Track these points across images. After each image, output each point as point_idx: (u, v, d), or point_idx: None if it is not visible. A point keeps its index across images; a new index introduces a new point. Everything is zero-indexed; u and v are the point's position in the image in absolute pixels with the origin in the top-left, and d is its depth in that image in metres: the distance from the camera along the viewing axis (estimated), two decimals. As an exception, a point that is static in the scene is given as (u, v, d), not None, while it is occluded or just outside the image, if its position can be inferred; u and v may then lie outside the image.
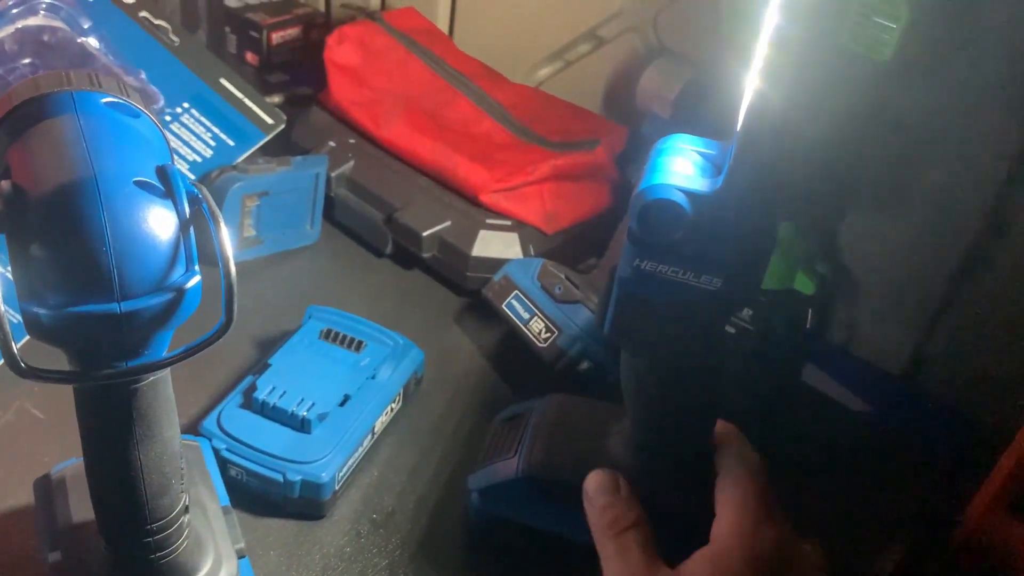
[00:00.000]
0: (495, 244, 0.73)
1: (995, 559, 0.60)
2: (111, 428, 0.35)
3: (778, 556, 0.43)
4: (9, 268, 0.32)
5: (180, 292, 0.32)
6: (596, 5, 0.83)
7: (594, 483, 0.47)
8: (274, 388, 0.57)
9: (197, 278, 0.33)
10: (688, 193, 0.40)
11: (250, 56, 1.00)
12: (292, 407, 0.56)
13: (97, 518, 0.39)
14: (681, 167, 0.42)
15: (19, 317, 0.33)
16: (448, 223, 0.74)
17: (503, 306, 0.67)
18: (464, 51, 0.89)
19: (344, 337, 0.62)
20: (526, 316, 0.65)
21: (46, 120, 0.33)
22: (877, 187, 0.68)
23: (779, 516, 0.45)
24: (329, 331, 0.62)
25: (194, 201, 0.33)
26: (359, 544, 0.55)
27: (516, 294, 0.66)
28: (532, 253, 0.73)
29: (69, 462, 0.48)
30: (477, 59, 0.88)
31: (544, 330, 0.64)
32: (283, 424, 0.56)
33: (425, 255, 0.74)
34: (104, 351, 0.32)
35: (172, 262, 0.32)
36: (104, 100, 0.35)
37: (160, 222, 0.31)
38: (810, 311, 0.71)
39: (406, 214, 0.75)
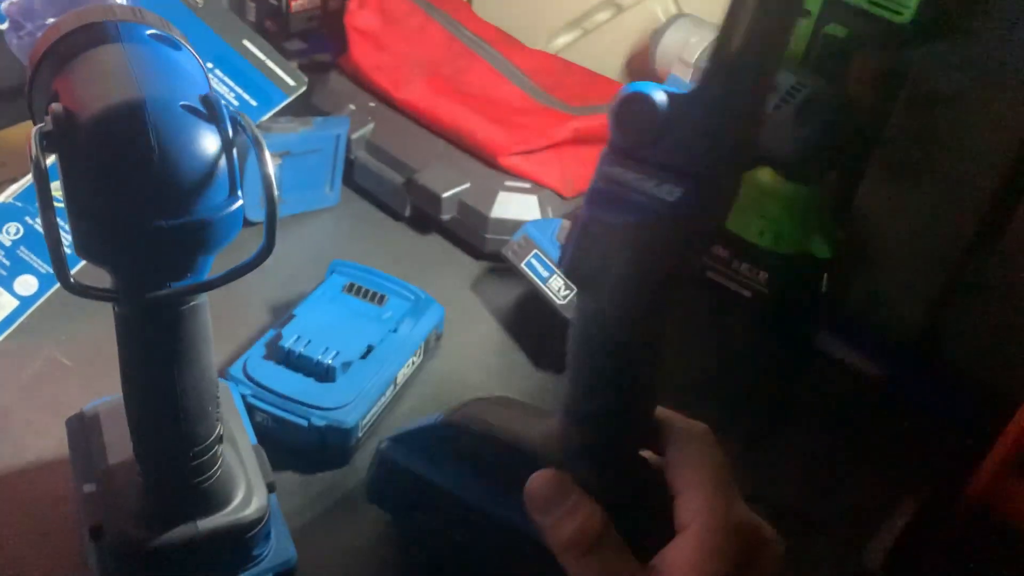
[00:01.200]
0: (514, 206, 0.74)
1: (1004, 520, 0.61)
2: (153, 352, 0.36)
3: (755, 536, 0.40)
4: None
5: (224, 214, 0.33)
6: (615, -28, 0.83)
7: (539, 486, 0.41)
8: (299, 337, 0.58)
9: (240, 202, 0.33)
10: (666, 91, 0.39)
11: (269, 23, 1.00)
12: (317, 356, 0.57)
13: (135, 445, 0.40)
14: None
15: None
16: (467, 185, 0.75)
17: (522, 265, 0.67)
18: (482, 18, 0.89)
19: (367, 291, 0.63)
20: (545, 275, 0.66)
21: (92, 49, 0.34)
22: (896, 154, 0.69)
23: (738, 492, 0.42)
24: (352, 285, 0.63)
25: (237, 128, 0.34)
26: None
27: (535, 253, 0.67)
28: (550, 215, 0.74)
29: (101, 400, 0.49)
30: (495, 26, 0.88)
31: (563, 287, 0.65)
32: (308, 372, 0.57)
33: (444, 217, 0.75)
34: (150, 271, 0.33)
35: (216, 183, 0.33)
36: (148, 32, 0.36)
37: (206, 145, 0.32)
38: (825, 275, 0.72)
39: (425, 176, 0.75)
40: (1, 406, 0.57)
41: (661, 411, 0.46)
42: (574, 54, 0.89)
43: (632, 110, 0.40)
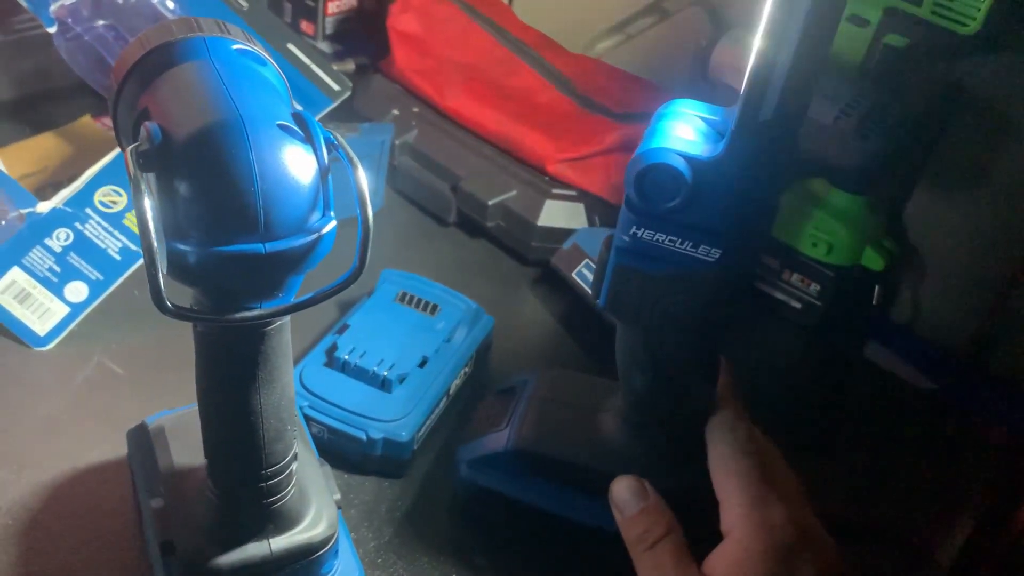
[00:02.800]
0: (561, 214, 0.73)
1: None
2: (236, 371, 0.35)
3: (794, 534, 0.41)
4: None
5: (319, 235, 0.32)
6: (661, -23, 0.82)
7: (620, 491, 0.45)
8: (354, 348, 0.57)
9: (334, 223, 0.33)
10: (688, 158, 0.39)
11: (305, 25, 1.00)
12: (373, 367, 0.56)
13: (210, 463, 0.39)
14: (682, 132, 0.40)
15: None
16: (514, 192, 0.74)
17: (573, 274, 0.67)
18: (524, 22, 0.88)
19: (419, 300, 0.62)
20: (597, 284, 0.65)
21: (180, 64, 0.34)
22: (950, 166, 0.68)
23: (783, 487, 0.43)
24: (404, 294, 0.63)
25: (330, 148, 0.33)
26: (437, 501, 0.55)
27: (586, 262, 0.67)
28: (597, 223, 0.73)
29: (163, 413, 0.48)
30: (537, 30, 0.88)
31: (617, 298, 0.64)
32: (364, 383, 0.56)
33: (489, 224, 0.74)
34: (243, 292, 0.32)
35: (313, 205, 0.32)
36: (234, 47, 0.35)
37: (303, 165, 0.32)
38: (877, 288, 0.71)
39: (471, 183, 0.75)
40: (55, 414, 0.56)
41: (720, 393, 0.47)
42: (617, 59, 0.88)
43: (655, 181, 0.39)
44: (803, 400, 0.68)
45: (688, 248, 0.41)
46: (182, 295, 0.35)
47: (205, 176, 0.30)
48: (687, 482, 0.47)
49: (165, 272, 0.31)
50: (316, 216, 0.32)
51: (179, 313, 0.31)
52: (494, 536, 0.53)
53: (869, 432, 0.66)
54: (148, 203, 0.29)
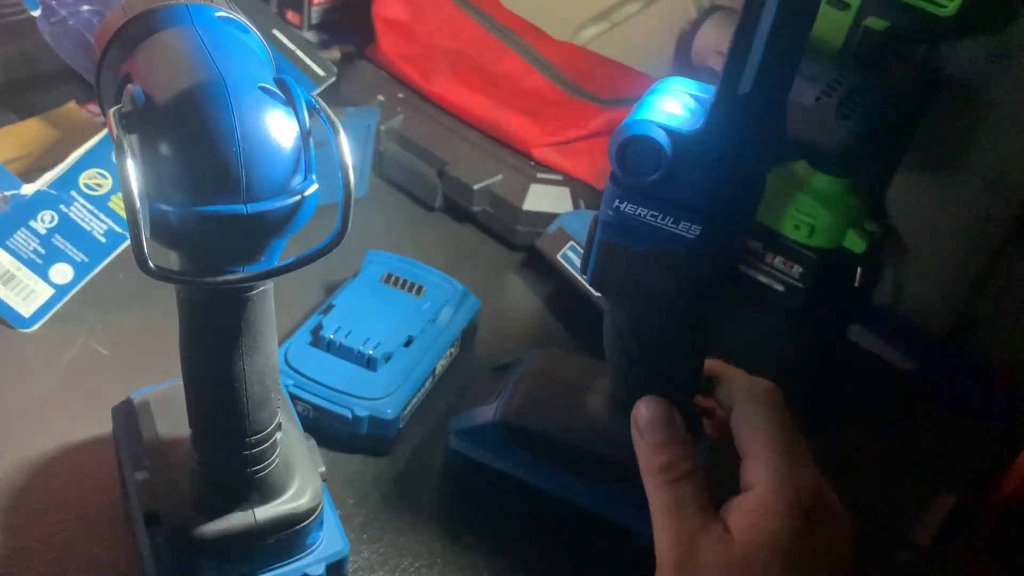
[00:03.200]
0: (546, 198, 0.73)
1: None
2: (219, 337, 0.36)
3: (817, 498, 0.41)
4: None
5: (301, 198, 0.33)
6: (646, -35, 0.83)
7: (646, 414, 0.43)
8: (340, 327, 0.58)
9: (315, 186, 0.33)
10: (669, 131, 0.39)
11: (291, 15, 1.00)
12: (358, 346, 0.56)
13: (194, 432, 0.40)
14: (669, 107, 0.40)
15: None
16: (499, 177, 0.74)
17: (558, 257, 0.67)
18: (510, 9, 0.89)
19: (405, 281, 0.63)
20: (582, 266, 0.66)
21: (164, 30, 0.34)
22: (932, 148, 0.69)
23: (807, 454, 0.43)
24: (390, 275, 0.63)
25: (311, 112, 0.33)
26: (422, 478, 0.56)
27: (571, 245, 0.67)
28: (582, 207, 0.73)
29: (147, 388, 0.49)
30: (522, 17, 0.88)
31: (601, 279, 0.64)
32: (349, 362, 0.57)
33: (475, 209, 0.75)
34: (225, 254, 0.33)
35: (295, 168, 0.32)
36: (217, 14, 0.35)
37: (284, 128, 0.32)
38: (859, 270, 0.72)
39: (457, 168, 0.75)
40: (40, 393, 0.56)
41: (725, 368, 0.47)
42: (602, 46, 0.88)
43: (635, 153, 0.40)
44: (786, 381, 0.69)
45: (669, 224, 0.41)
46: (167, 262, 0.35)
47: (187, 137, 0.30)
48: None
49: (148, 235, 0.31)
50: (298, 179, 0.33)
51: (161, 274, 0.31)
52: (481, 513, 0.54)
53: (851, 412, 0.67)
54: (131, 164, 0.29)
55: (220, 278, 0.33)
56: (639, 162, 0.40)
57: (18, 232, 0.62)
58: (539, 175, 0.74)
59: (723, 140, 0.39)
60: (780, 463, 0.41)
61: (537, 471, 0.50)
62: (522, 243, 0.74)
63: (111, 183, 0.64)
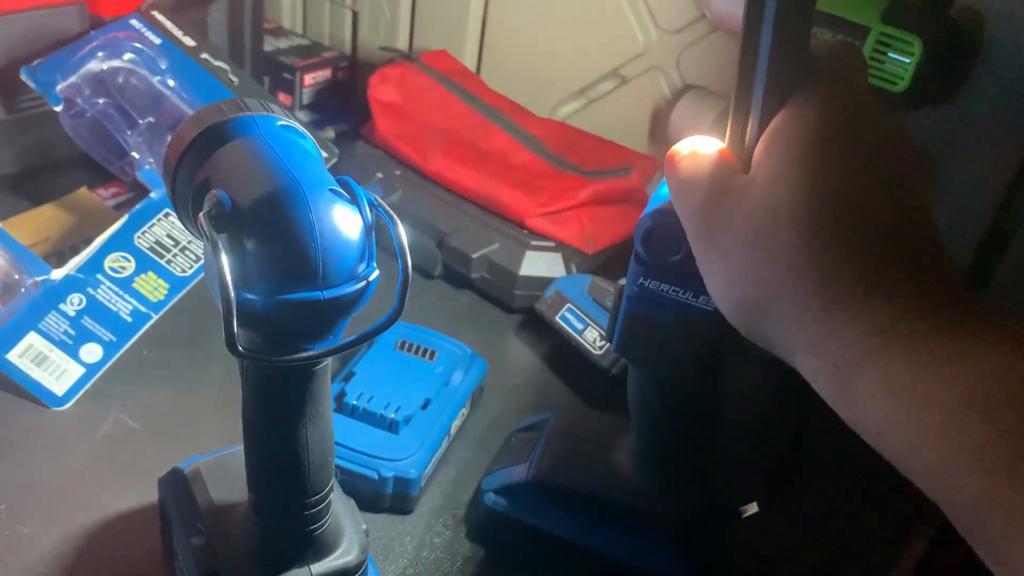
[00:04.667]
0: (541, 264, 0.79)
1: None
2: (287, 407, 0.40)
3: (857, 105, 0.34)
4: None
5: (367, 282, 0.37)
6: (619, 46, 0.90)
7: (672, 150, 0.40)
8: (362, 393, 0.62)
9: (377, 272, 0.38)
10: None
11: (283, 97, 1.06)
12: (380, 410, 0.61)
13: (256, 495, 0.43)
14: None
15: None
16: (496, 245, 0.80)
17: (556, 318, 0.72)
18: (493, 89, 0.95)
19: (418, 347, 0.67)
20: (580, 327, 0.71)
21: (235, 140, 0.39)
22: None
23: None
24: (404, 342, 0.67)
25: (371, 208, 0.38)
26: (446, 535, 0.59)
27: (568, 307, 0.72)
28: (574, 271, 0.79)
29: (194, 458, 0.52)
30: (505, 96, 0.94)
31: (599, 338, 0.69)
32: (372, 426, 0.61)
33: (474, 275, 0.80)
34: (301, 335, 0.37)
35: (361, 257, 0.37)
36: (279, 123, 0.40)
37: (352, 223, 0.37)
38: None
39: (455, 238, 0.80)
40: (78, 468, 0.59)
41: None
42: (579, 122, 0.95)
43: (658, 239, 0.45)
44: (766, 422, 0.73)
45: (689, 298, 0.46)
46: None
47: (273, 235, 0.35)
48: (695, 512, 0.52)
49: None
50: (363, 266, 0.37)
51: (247, 355, 0.35)
52: (516, 568, 0.57)
53: (835, 448, 0.72)
54: (225, 259, 0.34)
55: (295, 355, 0.37)
56: (663, 246, 0.45)
57: (49, 315, 0.65)
58: (533, 243, 0.79)
59: None
60: (804, 82, 0.35)
61: (571, 525, 0.54)
62: (519, 306, 0.79)
63: (134, 265, 0.68)
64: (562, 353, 0.75)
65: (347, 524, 0.47)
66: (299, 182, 0.36)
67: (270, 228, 0.35)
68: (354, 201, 0.37)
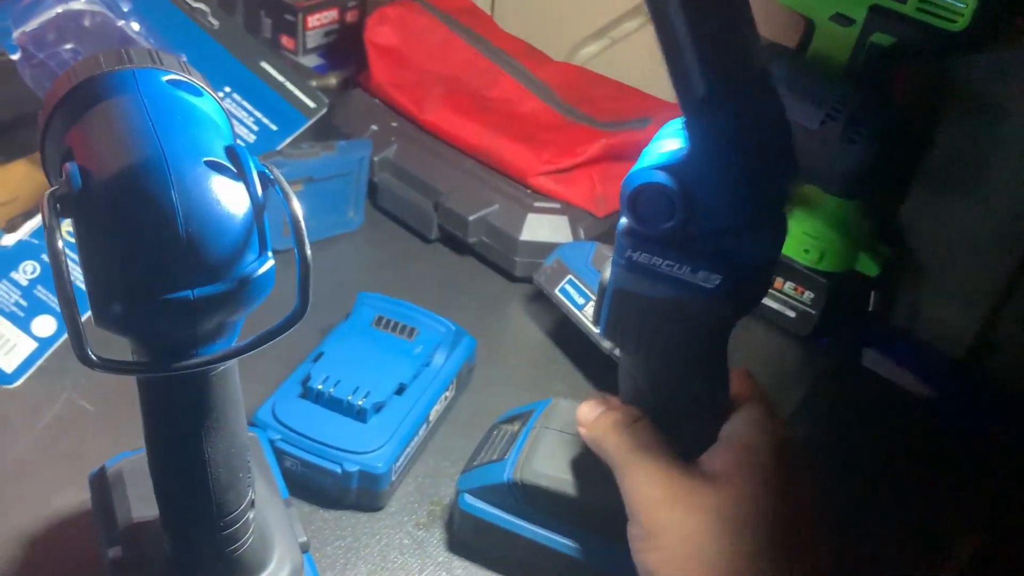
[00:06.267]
0: (544, 228, 0.71)
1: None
2: (179, 420, 0.34)
3: (802, 459, 0.42)
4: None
5: (254, 277, 0.30)
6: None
7: (581, 409, 0.46)
8: (328, 377, 0.55)
9: (271, 262, 0.31)
10: (666, 167, 0.37)
11: (285, 40, 0.98)
12: (348, 396, 0.54)
13: (162, 514, 0.38)
14: (666, 146, 0.39)
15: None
16: (495, 207, 0.72)
17: (556, 291, 0.65)
18: (505, 30, 0.86)
19: (396, 324, 0.60)
20: (581, 301, 0.63)
21: (108, 100, 0.32)
22: (944, 166, 0.66)
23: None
24: (381, 318, 0.61)
25: (265, 183, 0.31)
26: (417, 536, 0.53)
27: (569, 279, 0.64)
28: (582, 236, 0.71)
29: (121, 456, 0.47)
30: (519, 38, 0.86)
31: (601, 315, 0.62)
32: (339, 413, 0.54)
33: (472, 240, 0.73)
34: (176, 340, 0.30)
35: (245, 245, 0.30)
36: (166, 78, 0.33)
37: (233, 203, 0.30)
38: (873, 293, 0.69)
39: (452, 199, 0.73)
40: (20, 456, 0.55)
41: (740, 391, 0.46)
42: (601, 65, 0.86)
43: (646, 202, 0.38)
44: (800, 409, 0.66)
45: (687, 273, 0.39)
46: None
47: (125, 221, 0.28)
48: None
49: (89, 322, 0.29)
50: (251, 256, 0.30)
51: (106, 366, 0.29)
52: (480, 572, 0.51)
53: (864, 443, 0.64)
54: (63, 252, 0.27)
55: (173, 365, 0.30)
56: (653, 210, 0.38)
57: (-1, 284, 0.60)
58: (536, 204, 0.71)
59: (709, 150, 0.37)
60: (760, 414, 0.42)
61: (554, 533, 0.49)
62: (522, 274, 0.72)
63: (94, 229, 0.62)
64: (566, 328, 0.67)
65: (279, 539, 0.41)
66: (163, 153, 0.29)
67: (123, 213, 0.28)
68: (240, 175, 0.30)
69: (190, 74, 0.34)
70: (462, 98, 0.77)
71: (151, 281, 0.28)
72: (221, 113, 0.34)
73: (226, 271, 0.29)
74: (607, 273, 0.42)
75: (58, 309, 0.60)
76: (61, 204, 0.28)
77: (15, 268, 0.60)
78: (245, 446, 0.36)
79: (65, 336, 0.60)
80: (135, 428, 0.54)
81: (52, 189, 0.29)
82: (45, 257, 0.61)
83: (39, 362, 0.60)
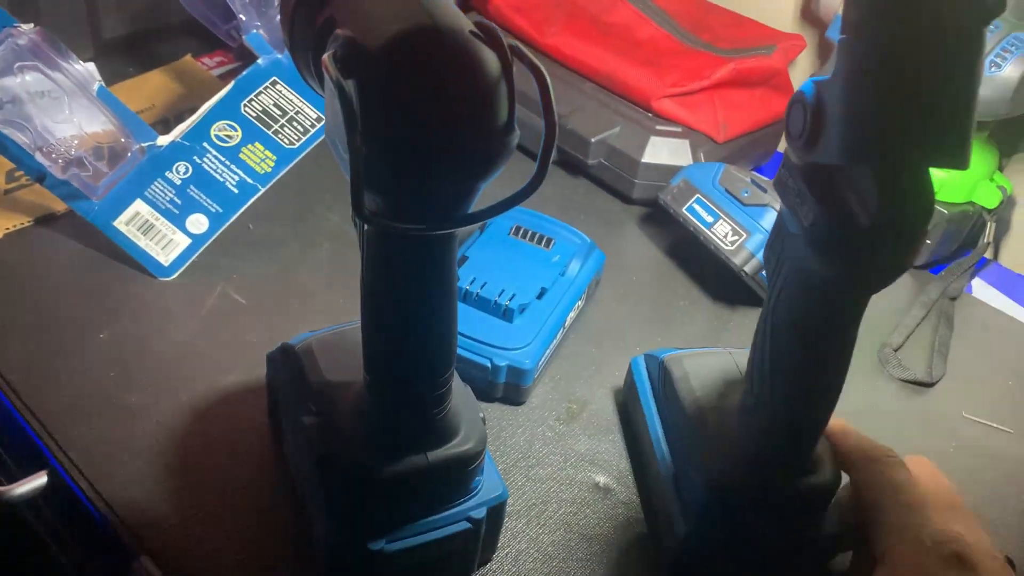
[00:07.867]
0: (665, 151, 0.73)
1: None
2: (413, 278, 0.36)
3: (962, 551, 0.39)
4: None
5: (508, 142, 0.32)
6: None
7: (838, 425, 0.46)
8: (475, 279, 0.58)
9: (518, 132, 0.33)
10: (819, 80, 0.35)
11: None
12: (495, 297, 0.57)
13: (373, 376, 0.40)
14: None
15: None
16: (617, 129, 0.74)
17: (684, 210, 0.67)
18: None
19: (533, 234, 0.63)
20: (710, 220, 0.65)
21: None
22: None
23: (943, 499, 0.42)
24: (518, 227, 0.63)
25: (514, 55, 0.33)
26: (558, 429, 0.56)
27: (698, 198, 0.66)
28: (702, 160, 0.72)
29: (304, 335, 0.49)
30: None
31: (731, 233, 0.64)
32: (486, 312, 0.57)
33: (591, 162, 0.74)
34: (432, 200, 0.33)
35: (502, 113, 0.32)
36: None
37: (492, 70, 0.32)
38: (989, 225, 0.70)
39: (573, 120, 0.74)
40: (185, 340, 0.58)
41: (846, 434, 0.46)
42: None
43: (790, 112, 0.37)
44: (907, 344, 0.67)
45: (795, 204, 0.37)
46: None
47: (407, 81, 0.30)
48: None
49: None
50: (504, 122, 0.33)
51: (374, 219, 0.31)
52: (615, 455, 0.55)
53: (974, 371, 0.65)
54: (356, 109, 0.30)
55: (426, 223, 0.33)
56: (793, 120, 0.37)
57: (155, 182, 0.63)
58: (658, 127, 0.73)
59: (849, 72, 0.34)
60: (908, 521, 0.40)
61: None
62: (639, 196, 0.74)
63: (240, 135, 0.65)
64: (686, 248, 0.69)
65: (465, 411, 0.44)
66: (436, 23, 0.31)
67: (403, 73, 0.30)
68: (495, 47, 0.32)
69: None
70: (582, 22, 0.79)
71: (425, 140, 0.30)
72: (452, -3, 0.36)
73: (486, 135, 0.32)
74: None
75: (210, 209, 0.63)
76: (343, 65, 0.30)
77: (170, 168, 0.63)
78: (457, 309, 0.39)
79: (217, 234, 0.63)
80: (286, 318, 0.58)
81: (330, 52, 0.31)
82: (197, 159, 0.64)
83: (192, 258, 0.63)
